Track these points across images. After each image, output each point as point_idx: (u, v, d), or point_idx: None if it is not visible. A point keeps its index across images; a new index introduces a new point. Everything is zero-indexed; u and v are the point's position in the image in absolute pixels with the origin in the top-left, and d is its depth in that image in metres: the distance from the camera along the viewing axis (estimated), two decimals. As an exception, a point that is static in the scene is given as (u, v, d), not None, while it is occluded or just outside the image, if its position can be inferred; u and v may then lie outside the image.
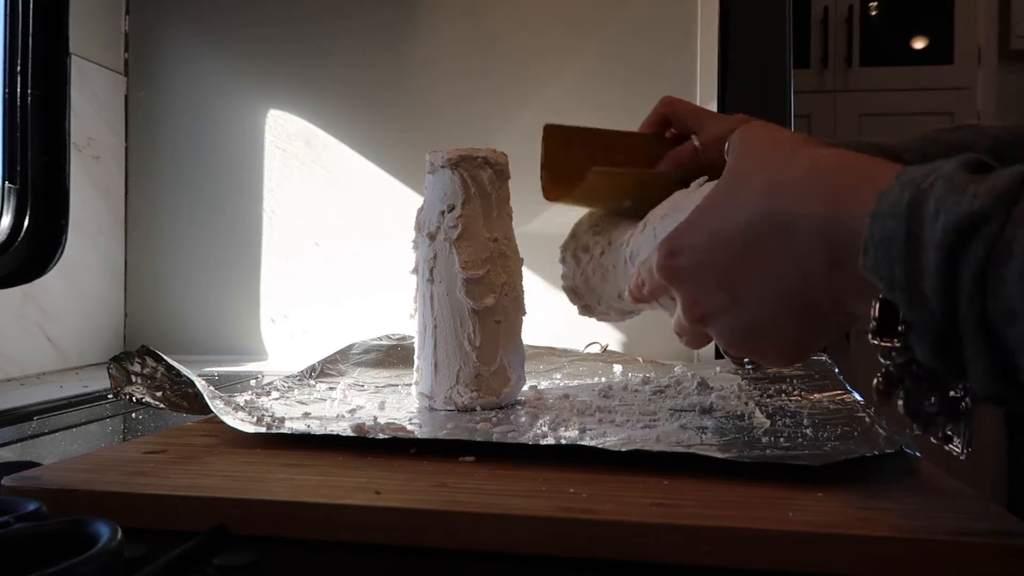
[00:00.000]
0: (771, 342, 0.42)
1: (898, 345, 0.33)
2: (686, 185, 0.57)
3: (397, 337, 0.89)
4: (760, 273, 0.40)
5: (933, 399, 0.34)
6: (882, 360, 0.34)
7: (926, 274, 0.30)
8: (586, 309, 0.68)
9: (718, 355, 0.97)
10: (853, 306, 0.37)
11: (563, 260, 0.68)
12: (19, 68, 0.96)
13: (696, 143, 0.66)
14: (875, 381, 0.35)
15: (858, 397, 0.63)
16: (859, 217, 0.33)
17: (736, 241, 0.41)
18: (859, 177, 0.36)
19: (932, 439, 0.35)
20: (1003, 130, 0.61)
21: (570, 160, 0.64)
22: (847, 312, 0.39)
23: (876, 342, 0.33)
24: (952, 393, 0.33)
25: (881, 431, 0.49)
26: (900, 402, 0.35)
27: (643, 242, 0.56)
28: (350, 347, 0.85)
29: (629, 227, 0.61)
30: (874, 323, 0.33)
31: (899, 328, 0.32)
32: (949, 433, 0.34)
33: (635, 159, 0.67)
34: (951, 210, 0.29)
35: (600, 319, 0.69)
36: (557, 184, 0.65)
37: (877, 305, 0.33)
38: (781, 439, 0.48)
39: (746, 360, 0.52)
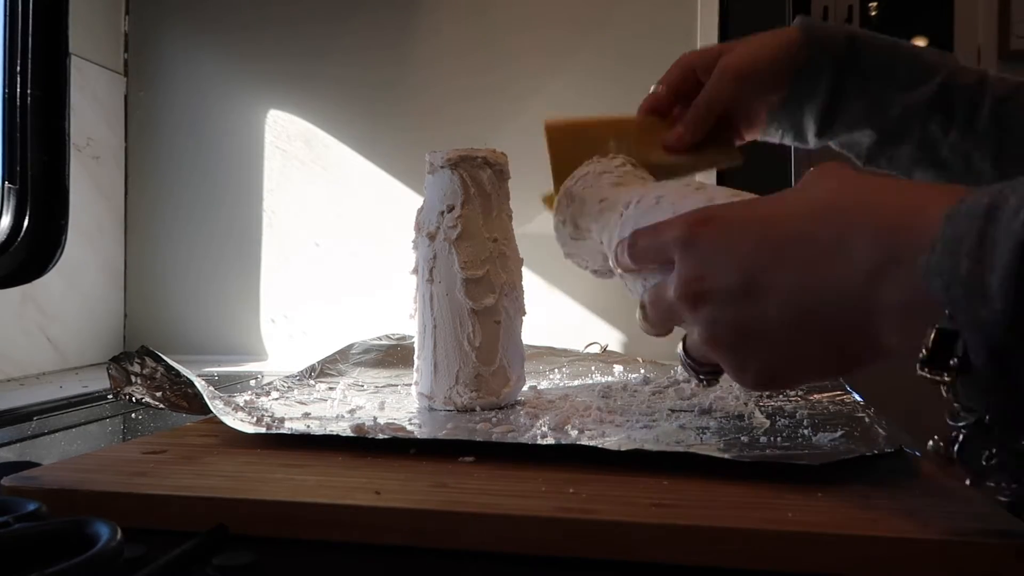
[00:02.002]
0: (767, 353, 0.39)
1: (947, 379, 0.31)
2: None
3: (397, 337, 0.89)
4: (790, 275, 0.37)
5: (994, 450, 0.31)
6: (948, 420, 0.32)
7: (996, 268, 0.29)
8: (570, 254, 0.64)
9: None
10: (883, 333, 0.35)
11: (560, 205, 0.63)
12: (19, 68, 0.96)
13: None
14: (931, 444, 0.33)
15: (858, 398, 0.63)
16: (929, 222, 0.32)
17: (780, 231, 0.38)
18: (937, 191, 0.34)
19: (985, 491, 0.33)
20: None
21: (580, 161, 0.61)
22: (868, 344, 0.36)
23: (925, 373, 0.31)
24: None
25: (881, 431, 0.49)
26: (955, 447, 0.32)
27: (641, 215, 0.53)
28: (350, 347, 0.85)
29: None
30: (926, 352, 0.31)
31: (952, 358, 0.30)
32: (1004, 487, 0.32)
33: (643, 144, 0.64)
34: None
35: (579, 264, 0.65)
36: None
37: (933, 332, 0.31)
38: (780, 439, 0.48)
39: (702, 371, 0.47)
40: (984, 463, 0.32)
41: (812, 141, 0.68)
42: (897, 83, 0.64)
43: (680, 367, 0.49)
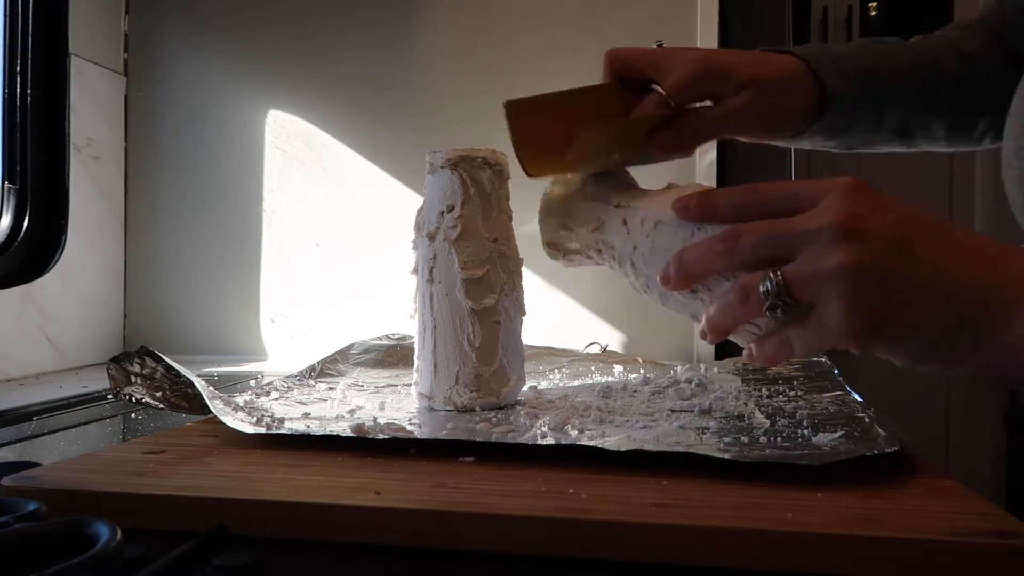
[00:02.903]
0: (891, 307, 0.41)
1: None
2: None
3: (397, 337, 0.89)
4: (947, 252, 0.41)
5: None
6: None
7: None
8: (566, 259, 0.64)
9: (718, 356, 0.97)
10: (1004, 346, 0.41)
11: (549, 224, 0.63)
12: (19, 68, 0.96)
13: (660, 91, 0.61)
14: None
15: (857, 398, 0.63)
16: None
17: (942, 220, 0.42)
18: None
19: None
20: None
21: (544, 131, 0.59)
22: (977, 347, 0.41)
23: None
24: None
25: (881, 431, 0.49)
26: None
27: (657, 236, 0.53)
28: (350, 347, 0.85)
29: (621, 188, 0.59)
30: None
31: None
32: None
33: (608, 112, 0.62)
34: None
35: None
36: (538, 158, 0.60)
37: None
38: (780, 439, 0.48)
39: (785, 302, 0.44)
40: None
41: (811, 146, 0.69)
42: (883, 103, 0.66)
43: (745, 291, 0.44)
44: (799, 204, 0.44)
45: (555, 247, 0.63)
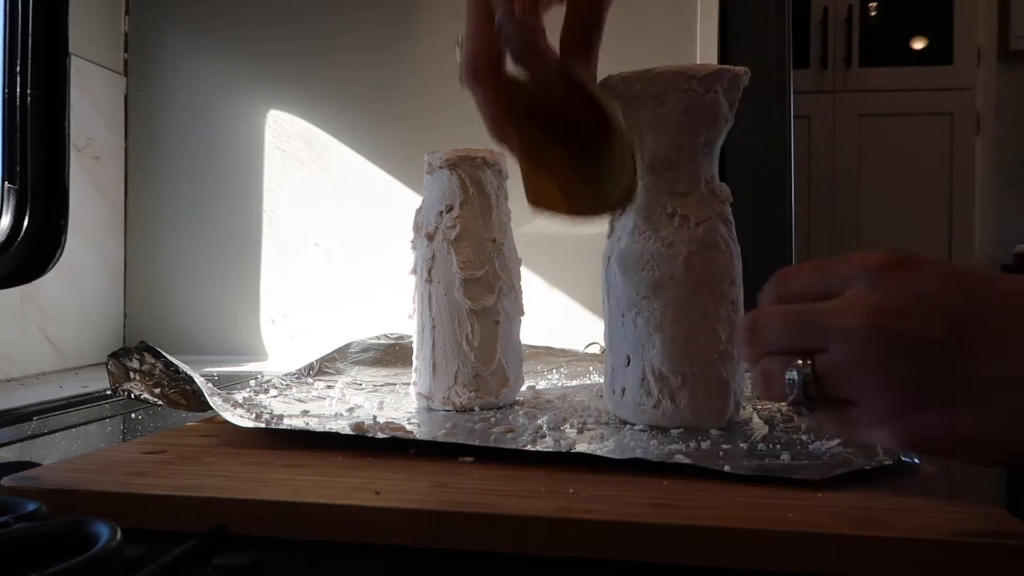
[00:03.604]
0: (942, 413, 0.36)
1: None
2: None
3: (395, 336, 0.89)
4: (1007, 334, 0.35)
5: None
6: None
7: None
8: None
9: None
10: None
11: None
12: (19, 68, 0.96)
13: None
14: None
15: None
16: None
17: (994, 283, 0.36)
18: None
19: None
20: None
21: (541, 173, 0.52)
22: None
23: None
24: None
25: None
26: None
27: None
28: (348, 346, 0.85)
29: None
30: None
31: None
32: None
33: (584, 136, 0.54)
34: None
35: None
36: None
37: None
38: (779, 446, 0.48)
39: (812, 401, 0.39)
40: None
41: None
42: None
43: (776, 388, 0.40)
44: (826, 288, 0.39)
45: None
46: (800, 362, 0.38)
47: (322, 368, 0.78)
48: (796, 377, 0.38)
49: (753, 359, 0.41)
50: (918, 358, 0.36)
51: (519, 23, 0.45)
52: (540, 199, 0.50)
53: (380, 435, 0.50)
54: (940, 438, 0.36)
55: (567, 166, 0.49)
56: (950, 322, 0.35)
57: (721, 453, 0.47)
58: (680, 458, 0.45)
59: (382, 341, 0.87)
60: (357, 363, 0.82)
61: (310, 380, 0.74)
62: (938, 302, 0.36)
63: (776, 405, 0.61)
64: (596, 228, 0.56)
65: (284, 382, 0.71)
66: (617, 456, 0.45)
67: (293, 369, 0.77)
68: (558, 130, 0.49)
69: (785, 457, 0.45)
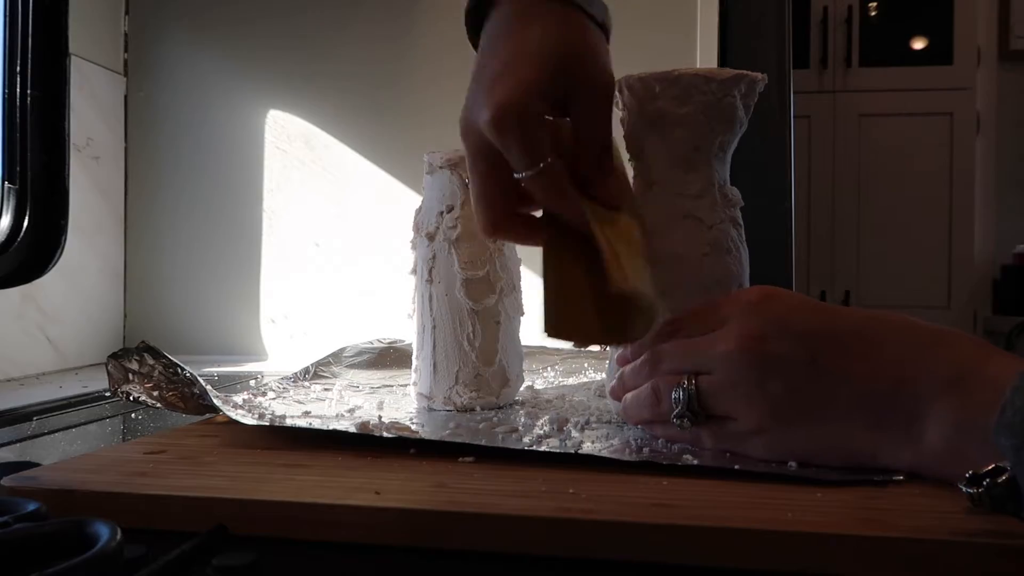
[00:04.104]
0: (806, 426, 0.43)
1: (978, 491, 0.35)
2: None
3: (388, 341, 0.88)
4: (857, 363, 0.42)
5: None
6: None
7: None
8: None
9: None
10: (925, 438, 0.40)
11: None
12: (19, 68, 0.96)
13: None
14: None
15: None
16: (990, 383, 0.37)
17: (849, 318, 0.43)
18: (985, 351, 0.40)
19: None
20: None
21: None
22: (899, 446, 0.41)
23: (963, 487, 0.36)
24: None
25: None
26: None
27: None
28: (342, 350, 0.85)
29: None
30: (986, 484, 0.34)
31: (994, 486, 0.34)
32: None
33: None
34: None
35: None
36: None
37: (990, 469, 0.34)
38: None
39: (694, 414, 0.46)
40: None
41: None
42: None
43: (662, 396, 0.47)
44: (711, 324, 0.46)
45: None
46: (684, 382, 0.45)
47: (317, 372, 0.78)
48: (681, 395, 0.45)
49: (648, 380, 0.48)
50: (784, 377, 0.42)
51: (544, 174, 0.46)
52: (560, 329, 0.50)
53: (386, 434, 0.50)
54: (803, 449, 0.43)
55: (591, 297, 0.50)
56: (809, 345, 0.42)
57: (729, 456, 0.46)
58: (688, 459, 0.45)
59: (375, 345, 0.87)
60: (352, 366, 0.82)
61: (306, 383, 0.74)
62: (797, 325, 0.43)
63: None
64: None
65: (281, 385, 0.71)
66: (627, 458, 0.45)
67: (290, 371, 0.77)
68: (587, 262, 0.49)
69: (792, 465, 0.45)
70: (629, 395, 0.50)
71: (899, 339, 0.42)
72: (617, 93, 0.56)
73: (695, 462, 0.44)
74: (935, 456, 0.40)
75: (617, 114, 0.58)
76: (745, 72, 0.54)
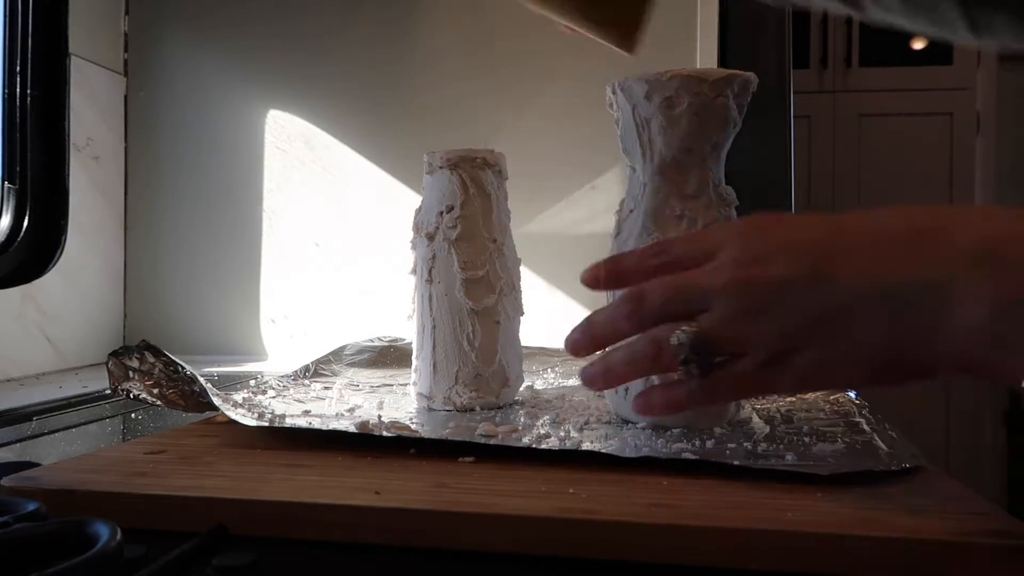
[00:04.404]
0: (822, 346, 0.37)
1: None
2: None
3: (389, 339, 0.89)
4: (864, 261, 0.37)
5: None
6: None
7: None
8: None
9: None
10: (957, 335, 0.35)
11: None
12: (19, 68, 0.96)
13: None
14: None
15: (852, 395, 0.63)
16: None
17: (851, 222, 0.38)
18: (1013, 223, 0.35)
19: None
20: None
21: None
22: (928, 346, 0.36)
23: None
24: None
25: (882, 445, 0.49)
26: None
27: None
28: (343, 348, 0.85)
29: None
30: None
31: None
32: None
33: None
34: None
35: None
36: None
37: None
38: (783, 446, 0.48)
39: (707, 362, 0.41)
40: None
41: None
42: None
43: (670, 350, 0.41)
44: (702, 254, 0.41)
45: None
46: (685, 326, 0.40)
47: (317, 370, 0.78)
48: (684, 339, 0.40)
49: (638, 332, 0.42)
50: (786, 297, 0.38)
51: None
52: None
53: (387, 434, 0.50)
54: (821, 372, 0.38)
55: None
56: (811, 259, 0.38)
57: (728, 452, 0.47)
58: (688, 455, 0.45)
59: (376, 343, 0.87)
60: (352, 365, 0.82)
61: (306, 382, 0.74)
62: (800, 245, 0.38)
63: (775, 405, 0.61)
64: (598, 227, 0.57)
65: (281, 384, 0.71)
66: (626, 454, 0.45)
67: (290, 371, 0.77)
68: None
69: (790, 458, 0.45)
70: (619, 354, 0.43)
71: (908, 224, 0.37)
72: (611, 95, 0.57)
73: (695, 458, 0.44)
74: (970, 342, 0.35)
75: (611, 116, 0.58)
76: (737, 72, 0.54)
